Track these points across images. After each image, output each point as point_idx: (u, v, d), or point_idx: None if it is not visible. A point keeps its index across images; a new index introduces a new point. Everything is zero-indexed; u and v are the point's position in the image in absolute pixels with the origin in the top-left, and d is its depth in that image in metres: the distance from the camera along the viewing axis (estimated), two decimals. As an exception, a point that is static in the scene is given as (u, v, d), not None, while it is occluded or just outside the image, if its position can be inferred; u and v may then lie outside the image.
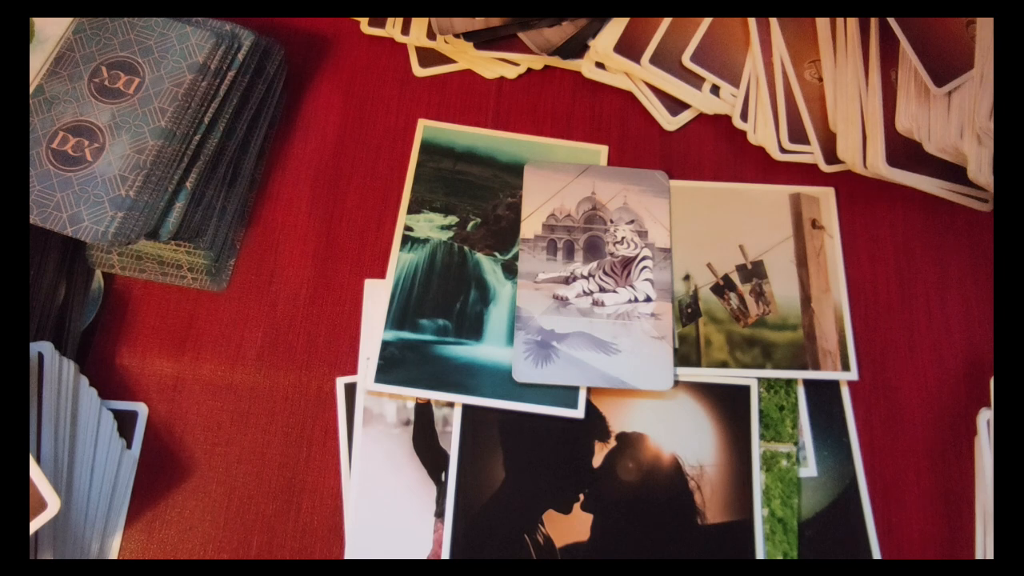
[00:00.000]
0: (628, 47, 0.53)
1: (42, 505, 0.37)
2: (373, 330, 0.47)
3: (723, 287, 0.49)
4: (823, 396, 0.47)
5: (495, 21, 0.52)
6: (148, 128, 0.44)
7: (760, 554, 0.43)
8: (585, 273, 0.48)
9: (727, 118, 0.53)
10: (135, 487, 0.43)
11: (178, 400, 0.45)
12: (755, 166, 0.52)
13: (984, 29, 0.49)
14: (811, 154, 0.52)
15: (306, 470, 0.44)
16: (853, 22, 0.52)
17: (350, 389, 0.46)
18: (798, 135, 0.52)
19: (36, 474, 0.37)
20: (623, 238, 0.49)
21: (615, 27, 0.53)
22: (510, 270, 0.48)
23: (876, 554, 0.44)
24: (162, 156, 0.44)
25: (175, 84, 0.45)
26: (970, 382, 0.48)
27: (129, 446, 0.44)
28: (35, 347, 0.42)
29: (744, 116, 0.53)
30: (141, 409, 0.45)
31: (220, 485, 0.44)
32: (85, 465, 0.42)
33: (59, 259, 0.46)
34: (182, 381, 0.46)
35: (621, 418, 0.46)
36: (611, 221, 0.50)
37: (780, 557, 0.43)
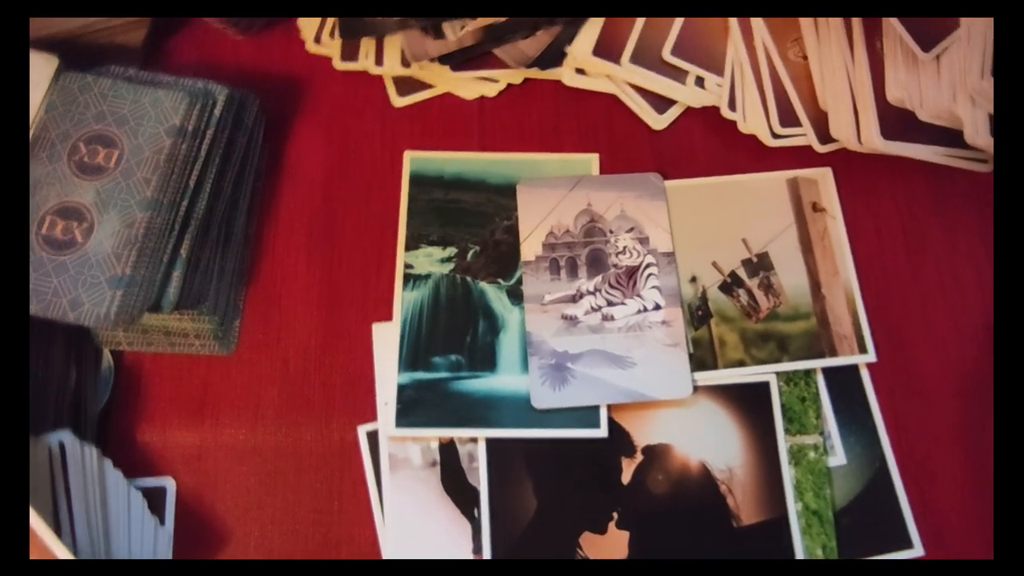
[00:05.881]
0: (606, 49, 0.52)
1: (86, 596, 0.37)
2: (387, 374, 0.46)
3: (731, 284, 0.49)
4: (844, 382, 0.47)
5: (468, 40, 0.51)
6: (135, 201, 0.44)
7: (799, 549, 0.43)
8: (591, 288, 0.48)
9: (715, 109, 0.52)
10: (174, 561, 0.44)
11: (204, 469, 0.45)
12: (749, 155, 0.52)
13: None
14: (804, 136, 0.51)
15: (340, 523, 0.44)
16: (832, -4, 0.51)
17: (372, 437, 0.46)
18: (789, 118, 0.51)
19: (75, 565, 0.37)
20: (625, 247, 0.49)
21: (591, 30, 0.52)
22: (516, 295, 0.48)
23: (913, 533, 0.44)
24: (152, 227, 0.43)
25: (155, 151, 0.45)
26: (990, 346, 0.48)
27: (162, 522, 0.44)
28: (55, 436, 0.42)
29: (732, 105, 0.52)
30: (169, 483, 0.45)
31: (257, 549, 0.44)
32: (121, 548, 0.42)
33: (65, 345, 0.46)
34: (205, 449, 0.46)
35: (645, 431, 0.45)
36: (611, 231, 0.49)
37: (819, 549, 0.43)
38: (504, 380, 0.46)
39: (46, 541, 0.37)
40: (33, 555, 0.36)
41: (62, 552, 0.37)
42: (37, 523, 0.37)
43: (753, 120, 0.51)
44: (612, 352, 0.46)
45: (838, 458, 0.45)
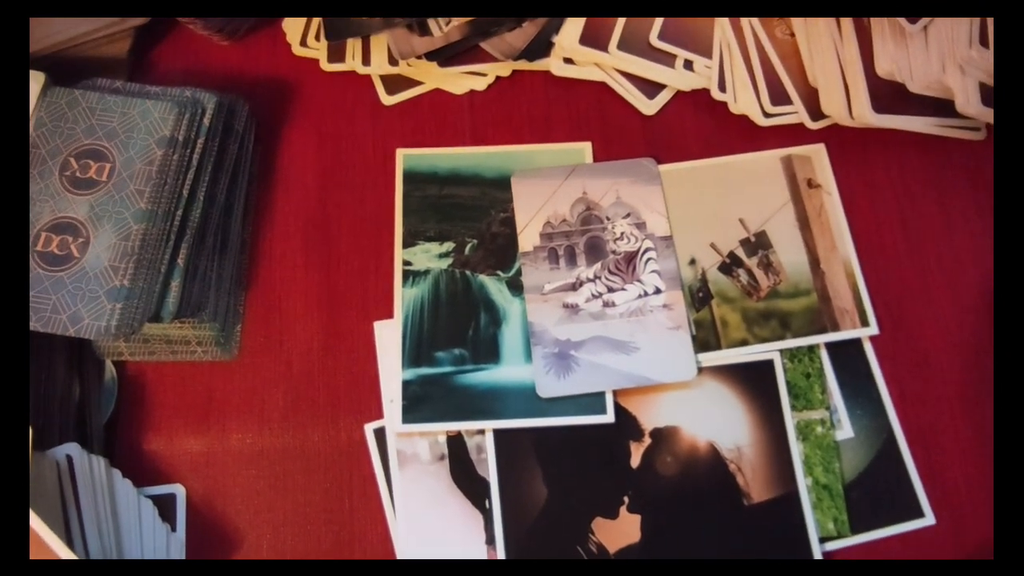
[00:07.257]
0: (593, 37, 0.52)
1: (101, 608, 0.37)
2: (391, 371, 0.46)
3: (730, 265, 0.49)
4: (847, 356, 0.47)
5: (454, 35, 0.51)
6: (129, 213, 0.44)
7: (811, 523, 0.43)
8: (591, 276, 0.48)
9: (705, 92, 0.52)
10: (188, 568, 0.43)
11: (213, 475, 0.45)
12: (741, 135, 0.52)
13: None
14: (795, 113, 0.51)
15: (352, 521, 0.44)
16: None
17: (379, 434, 0.46)
18: (779, 96, 0.51)
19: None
20: (622, 233, 0.49)
21: (577, 19, 0.52)
22: (516, 287, 0.48)
23: (924, 503, 0.44)
24: (148, 238, 0.43)
25: (147, 163, 0.45)
26: (989, 314, 0.48)
27: (174, 529, 0.44)
28: (62, 450, 0.42)
29: (722, 86, 0.52)
30: (178, 490, 0.45)
31: (271, 550, 0.44)
32: (134, 557, 0.42)
33: (67, 358, 0.46)
34: (213, 455, 0.46)
35: (651, 414, 0.45)
36: (607, 218, 0.49)
37: (831, 523, 0.44)
38: (508, 371, 0.46)
39: (58, 553, 0.37)
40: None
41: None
42: (48, 536, 0.37)
43: (744, 100, 0.51)
44: (615, 338, 0.46)
45: (845, 431, 0.45)
